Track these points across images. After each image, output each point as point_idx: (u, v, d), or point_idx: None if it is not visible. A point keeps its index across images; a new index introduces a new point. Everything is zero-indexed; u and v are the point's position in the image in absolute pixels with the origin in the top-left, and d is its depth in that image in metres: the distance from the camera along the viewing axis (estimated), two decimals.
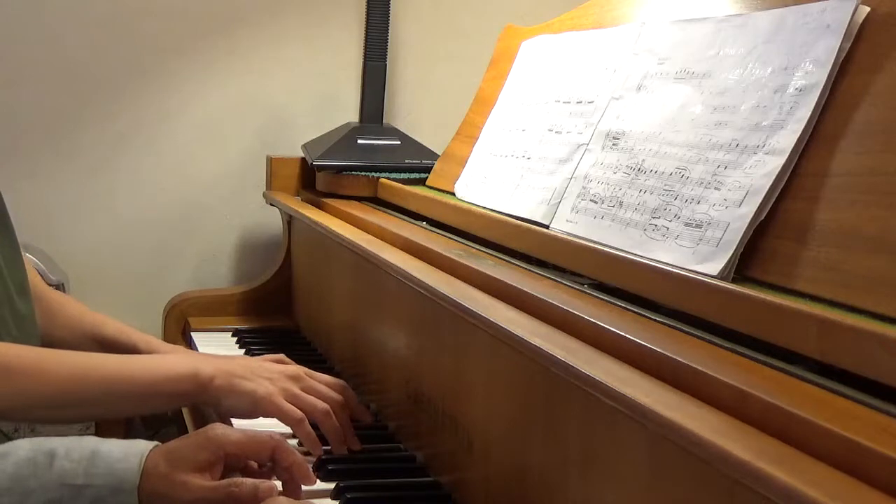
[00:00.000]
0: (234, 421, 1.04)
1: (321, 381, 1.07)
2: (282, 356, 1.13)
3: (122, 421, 1.56)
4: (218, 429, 0.85)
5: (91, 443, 0.81)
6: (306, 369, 1.09)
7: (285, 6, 1.83)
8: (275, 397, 1.00)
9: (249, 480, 0.82)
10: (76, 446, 0.80)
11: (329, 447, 1.02)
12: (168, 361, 1.02)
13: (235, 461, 0.86)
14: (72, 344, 1.14)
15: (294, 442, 1.01)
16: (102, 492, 0.77)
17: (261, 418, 1.02)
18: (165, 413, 1.48)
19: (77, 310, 1.21)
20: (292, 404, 1.00)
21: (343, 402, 1.06)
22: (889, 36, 0.76)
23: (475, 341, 0.86)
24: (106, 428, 1.51)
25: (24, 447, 0.79)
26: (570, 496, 0.71)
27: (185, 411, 1.28)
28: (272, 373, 1.03)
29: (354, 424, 1.06)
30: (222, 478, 0.84)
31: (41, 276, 1.62)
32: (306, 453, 1.00)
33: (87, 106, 1.74)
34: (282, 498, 0.81)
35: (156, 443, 0.83)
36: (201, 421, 1.24)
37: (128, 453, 0.80)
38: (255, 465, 0.88)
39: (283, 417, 1.00)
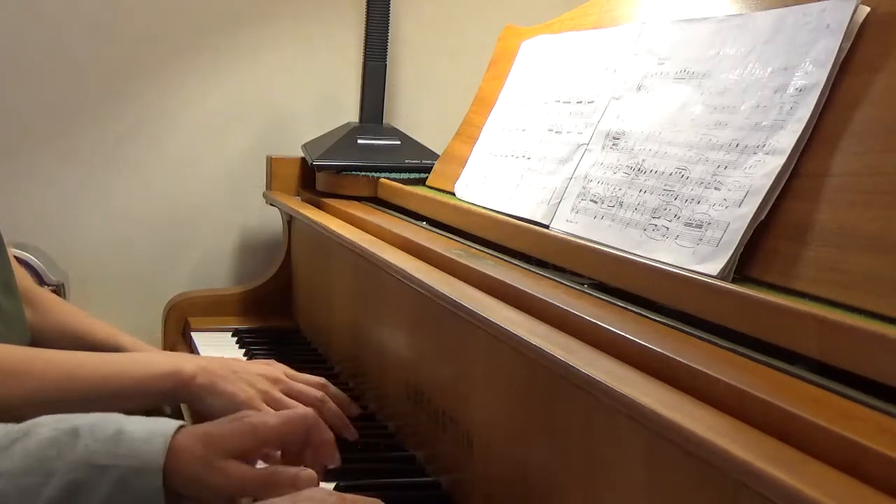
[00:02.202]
0: None
1: (301, 381, 1.07)
2: (270, 361, 1.12)
3: None
4: (255, 417, 0.83)
5: (115, 421, 0.78)
6: (288, 370, 1.08)
7: (286, 6, 1.83)
8: (255, 401, 1.00)
9: (291, 469, 0.80)
10: (100, 424, 0.77)
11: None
12: (150, 359, 1.02)
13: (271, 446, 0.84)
14: (61, 345, 1.14)
15: None
16: (126, 473, 0.74)
17: None
18: (167, 414, 1.47)
19: (69, 312, 1.21)
20: (272, 409, 1.00)
21: (324, 398, 1.06)
22: (889, 36, 0.76)
23: (475, 341, 0.86)
24: None
25: (46, 425, 0.76)
26: (569, 496, 0.71)
27: (185, 413, 1.28)
28: (252, 375, 1.03)
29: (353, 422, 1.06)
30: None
31: (41, 275, 1.62)
32: None
33: (86, 106, 1.74)
34: (320, 489, 0.78)
35: (182, 422, 0.81)
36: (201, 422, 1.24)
37: (153, 433, 0.77)
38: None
39: None
